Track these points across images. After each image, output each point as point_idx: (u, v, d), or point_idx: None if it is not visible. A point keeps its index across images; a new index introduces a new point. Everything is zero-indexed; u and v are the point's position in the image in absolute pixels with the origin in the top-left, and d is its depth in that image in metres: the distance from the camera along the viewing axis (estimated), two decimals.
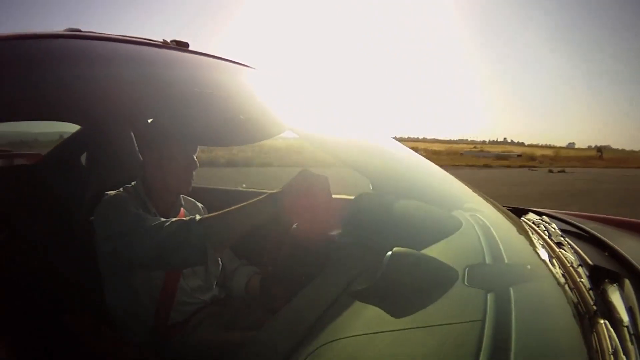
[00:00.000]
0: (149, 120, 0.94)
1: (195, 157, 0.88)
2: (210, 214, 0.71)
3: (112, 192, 0.84)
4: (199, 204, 1.01)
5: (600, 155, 23.71)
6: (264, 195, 0.68)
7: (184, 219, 0.71)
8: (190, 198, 1.00)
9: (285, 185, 0.68)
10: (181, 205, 0.94)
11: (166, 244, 0.68)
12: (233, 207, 0.69)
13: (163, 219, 0.72)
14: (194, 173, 0.88)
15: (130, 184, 0.89)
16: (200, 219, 0.69)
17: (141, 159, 0.91)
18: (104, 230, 0.77)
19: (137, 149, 1.12)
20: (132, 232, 0.72)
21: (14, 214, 0.90)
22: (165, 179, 0.86)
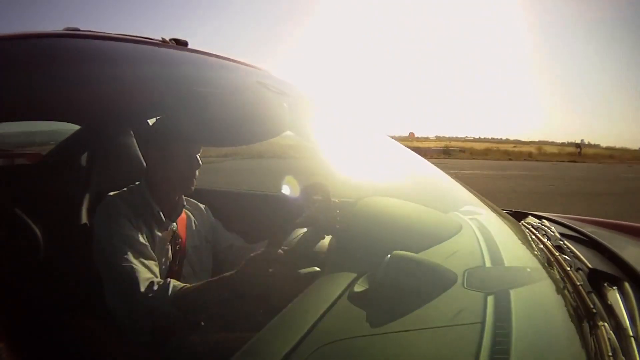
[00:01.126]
0: (154, 120, 0.94)
1: (198, 156, 0.88)
2: (185, 288, 0.74)
3: (113, 195, 0.85)
4: (201, 205, 1.01)
5: (579, 152, 25.26)
6: (234, 272, 0.70)
7: (159, 282, 0.74)
8: (192, 199, 1.00)
9: (249, 259, 0.68)
10: (183, 206, 0.94)
11: (137, 301, 0.74)
12: (207, 283, 0.74)
13: (141, 266, 0.76)
14: (197, 172, 0.88)
15: (134, 183, 0.89)
16: (174, 295, 0.72)
17: (142, 158, 0.91)
18: (96, 240, 0.80)
19: (137, 147, 1.12)
20: (114, 263, 0.76)
21: (14, 214, 0.90)
22: (168, 178, 0.87)
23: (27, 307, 0.68)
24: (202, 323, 0.80)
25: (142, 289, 0.74)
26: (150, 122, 1.13)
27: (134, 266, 0.76)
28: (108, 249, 0.78)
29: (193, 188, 0.90)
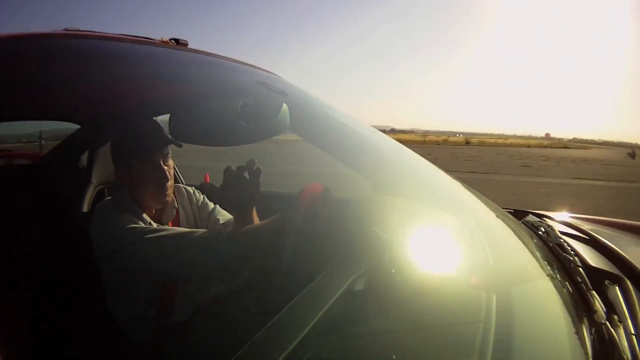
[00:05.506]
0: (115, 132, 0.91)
1: (165, 166, 0.84)
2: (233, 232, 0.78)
3: (103, 203, 0.85)
4: (190, 189, 0.98)
5: (632, 153, 25.32)
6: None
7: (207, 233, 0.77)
8: (181, 186, 0.98)
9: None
10: (175, 208, 0.91)
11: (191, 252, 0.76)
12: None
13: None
14: (167, 185, 0.85)
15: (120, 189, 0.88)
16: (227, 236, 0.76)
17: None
18: (100, 241, 0.79)
19: None
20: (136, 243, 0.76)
21: (14, 214, 0.90)
22: (141, 193, 0.85)
23: (27, 307, 0.68)
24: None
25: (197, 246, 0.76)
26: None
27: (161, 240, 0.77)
28: (117, 250, 0.77)
29: (169, 199, 0.87)
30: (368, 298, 0.59)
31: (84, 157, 1.11)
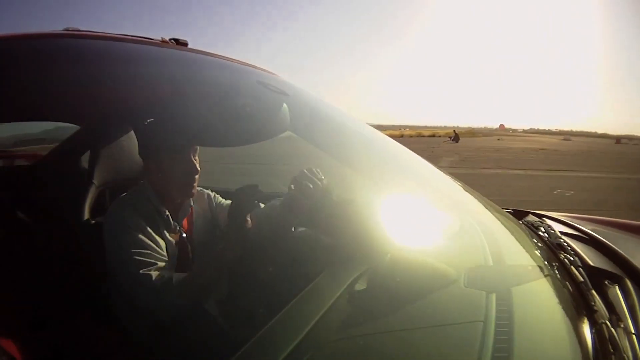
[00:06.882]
0: (144, 124, 0.92)
1: (195, 160, 0.86)
2: (186, 275, 0.77)
3: (118, 202, 0.85)
4: (207, 192, 0.99)
5: (455, 137, 25.93)
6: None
7: (164, 280, 0.75)
8: (198, 188, 0.99)
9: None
10: (190, 206, 0.92)
11: (147, 303, 0.76)
12: (201, 263, 0.82)
13: (150, 271, 0.76)
14: (196, 177, 0.87)
15: (136, 182, 0.89)
16: (178, 285, 0.75)
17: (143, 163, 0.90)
18: (106, 250, 0.79)
19: (137, 147, 1.11)
20: (125, 272, 0.76)
21: (14, 214, 0.90)
22: (167, 185, 0.86)
23: (28, 307, 0.68)
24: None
25: (150, 292, 0.75)
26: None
27: (143, 273, 0.75)
28: (117, 260, 0.78)
29: (194, 192, 0.89)
30: (368, 298, 0.59)
31: (84, 158, 1.11)
